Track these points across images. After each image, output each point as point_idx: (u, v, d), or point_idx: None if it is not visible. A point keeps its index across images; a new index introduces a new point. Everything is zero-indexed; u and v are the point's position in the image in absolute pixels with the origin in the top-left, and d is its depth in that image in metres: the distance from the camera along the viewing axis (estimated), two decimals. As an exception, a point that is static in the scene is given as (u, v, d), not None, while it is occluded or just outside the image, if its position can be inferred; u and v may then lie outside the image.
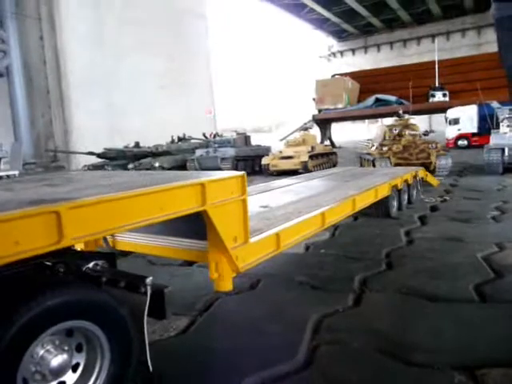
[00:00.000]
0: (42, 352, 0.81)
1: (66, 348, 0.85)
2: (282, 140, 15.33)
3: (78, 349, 0.89)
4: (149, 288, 0.94)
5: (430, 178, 3.55)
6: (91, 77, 12.75)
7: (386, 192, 2.42)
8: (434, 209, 2.85)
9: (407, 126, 5.01)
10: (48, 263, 0.95)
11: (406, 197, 2.85)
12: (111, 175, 1.31)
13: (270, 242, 1.36)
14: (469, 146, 9.09)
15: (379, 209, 2.53)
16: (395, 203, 2.64)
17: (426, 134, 5.20)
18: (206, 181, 1.06)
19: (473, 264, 1.71)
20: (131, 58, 13.28)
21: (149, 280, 0.93)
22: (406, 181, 2.80)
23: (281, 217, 1.58)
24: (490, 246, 1.92)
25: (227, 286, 1.20)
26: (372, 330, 1.20)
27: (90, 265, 1.01)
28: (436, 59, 12.00)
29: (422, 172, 3.23)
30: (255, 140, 7.59)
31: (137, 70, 13.28)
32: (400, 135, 4.84)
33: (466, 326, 1.20)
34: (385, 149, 4.69)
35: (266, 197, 2.12)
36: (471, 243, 2.01)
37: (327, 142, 12.65)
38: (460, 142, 9.23)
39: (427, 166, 4.12)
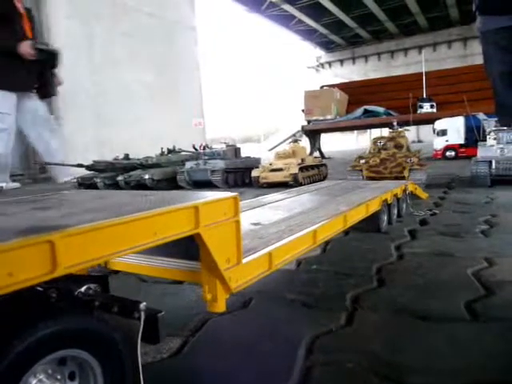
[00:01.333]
0: (34, 382, 0.80)
1: (59, 377, 0.84)
2: (270, 150, 15.37)
3: (71, 377, 0.87)
4: (142, 314, 0.93)
5: (419, 191, 3.58)
6: (79, 88, 12.68)
7: (376, 207, 2.44)
8: (423, 222, 2.87)
9: (392, 138, 4.80)
10: (39, 289, 0.95)
11: (395, 211, 2.87)
12: (103, 196, 1.30)
13: (262, 262, 1.36)
14: (456, 157, 9.20)
15: (369, 223, 2.55)
16: (385, 217, 2.66)
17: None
18: (200, 203, 1.06)
19: (463, 280, 1.73)
20: (120, 69, 13.27)
21: (142, 305, 0.93)
22: (395, 195, 2.83)
23: (273, 235, 1.58)
24: (479, 262, 1.94)
25: (220, 307, 1.20)
26: (365, 351, 1.21)
27: (83, 289, 1.00)
28: (423, 70, 12.18)
29: (411, 186, 3.26)
30: (244, 150, 7.61)
31: (126, 80, 13.27)
32: (384, 148, 4.72)
33: (459, 346, 1.20)
34: (362, 161, 4.60)
35: (258, 213, 2.13)
36: (461, 258, 2.03)
37: (317, 153, 12.71)
38: (448, 153, 9.34)
39: (399, 178, 4.18)
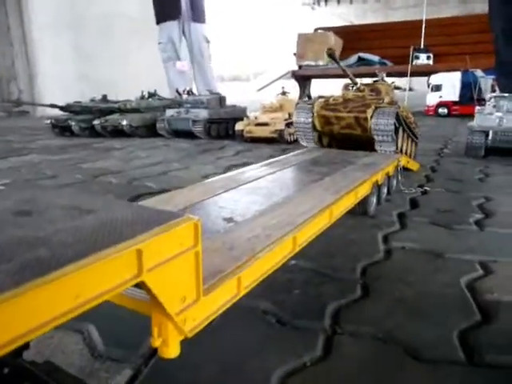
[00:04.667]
0: None
1: None
2: (259, 90, 14.83)
3: None
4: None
5: (411, 164, 3.36)
6: (57, 16, 11.84)
7: (366, 191, 2.22)
8: (414, 204, 2.67)
9: (370, 84, 3.54)
10: None
11: (385, 190, 2.66)
12: (26, 210, 1.02)
13: (229, 289, 1.14)
14: (449, 115, 8.93)
15: (357, 206, 2.33)
16: (374, 199, 2.45)
17: (397, 88, 3.85)
18: (144, 244, 0.82)
19: (456, 295, 1.54)
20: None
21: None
22: (387, 173, 2.60)
23: (246, 244, 1.36)
24: (473, 267, 1.76)
25: (173, 352, 0.99)
26: (342, 407, 1.03)
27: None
28: (424, 17, 11.54)
29: (404, 159, 3.04)
30: (233, 89, 7.24)
31: (108, 11, 12.40)
32: (359, 90, 3.45)
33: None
34: (320, 100, 3.37)
35: (232, 199, 1.89)
36: (453, 261, 1.84)
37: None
38: (440, 110, 9.04)
39: (362, 125, 3.05)
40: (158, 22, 6.12)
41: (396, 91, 3.72)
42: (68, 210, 1.02)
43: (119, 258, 0.77)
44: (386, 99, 3.13)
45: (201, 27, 6.63)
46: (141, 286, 0.89)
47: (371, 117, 2.94)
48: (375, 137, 2.95)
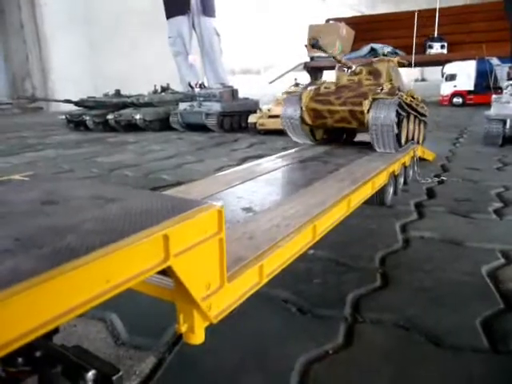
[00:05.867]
0: None
1: None
2: (271, 82, 14.75)
3: None
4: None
5: (427, 154, 3.33)
6: (69, 11, 11.90)
7: (383, 181, 2.21)
8: (430, 194, 2.65)
9: (368, 64, 2.99)
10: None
11: (402, 180, 2.64)
12: (51, 199, 1.03)
13: (251, 276, 1.15)
14: (464, 104, 8.81)
15: (373, 196, 2.32)
16: (391, 189, 2.43)
17: (402, 64, 3.29)
18: (171, 230, 0.83)
19: (477, 284, 1.53)
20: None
21: (90, 374, 0.73)
22: (403, 163, 2.58)
23: (266, 234, 1.36)
24: (494, 256, 1.75)
25: (198, 338, 1.00)
26: (366, 391, 1.03)
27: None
28: (437, 5, 11.38)
29: (419, 150, 3.01)
30: (244, 81, 7.22)
31: (118, 6, 12.44)
32: (355, 73, 2.94)
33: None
34: (310, 89, 2.88)
35: (250, 189, 1.89)
36: (473, 249, 1.83)
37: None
38: (455, 100, 8.93)
39: (358, 118, 2.64)
40: (168, 16, 6.09)
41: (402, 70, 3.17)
42: (93, 200, 1.04)
43: (147, 243, 0.78)
44: (386, 86, 2.66)
45: (211, 21, 6.61)
46: (166, 272, 0.91)
47: (368, 110, 2.53)
48: (373, 134, 2.54)
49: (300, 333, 1.28)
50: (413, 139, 2.96)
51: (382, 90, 2.62)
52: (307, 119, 2.80)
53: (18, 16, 11.35)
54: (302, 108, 2.76)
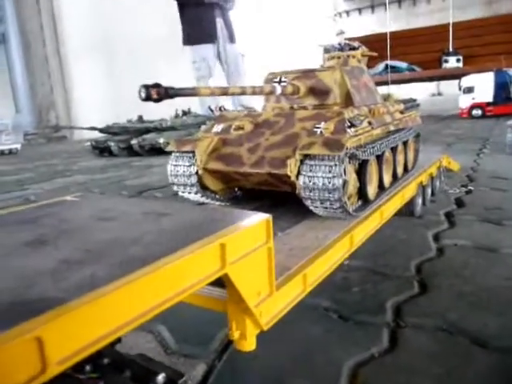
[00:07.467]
0: None
1: None
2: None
3: None
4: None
5: (452, 165, 3.34)
6: (90, 42, 12.32)
7: (412, 192, 2.23)
8: (459, 203, 2.66)
9: (309, 73, 1.89)
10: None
11: (429, 190, 2.65)
12: (107, 216, 1.09)
13: (296, 285, 1.19)
14: (483, 116, 8.77)
15: (403, 207, 2.34)
16: (420, 200, 2.45)
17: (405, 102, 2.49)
18: (227, 238, 0.88)
19: (517, 288, 1.54)
20: (132, 22, 12.79)
21: (160, 378, 0.78)
22: (430, 174, 2.60)
23: (305, 244, 1.40)
24: (531, 261, 1.75)
25: (250, 345, 1.04)
26: (417, 393, 1.05)
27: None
28: (451, 20, 11.45)
29: (445, 160, 3.02)
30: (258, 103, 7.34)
31: (138, 34, 12.82)
32: (294, 92, 1.84)
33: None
34: (215, 130, 1.90)
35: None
36: (509, 256, 1.83)
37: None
38: (474, 112, 8.90)
39: (288, 183, 1.61)
40: (192, 43, 6.26)
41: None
42: (145, 215, 1.10)
43: (207, 251, 0.84)
44: (329, 124, 1.61)
45: (236, 46, 6.78)
46: (220, 281, 0.96)
47: (297, 175, 1.53)
48: (309, 206, 1.59)
49: (344, 339, 1.31)
50: (395, 178, 2.09)
51: (321, 132, 1.61)
52: (208, 183, 1.86)
53: (42, 51, 11.82)
54: (197, 172, 1.79)
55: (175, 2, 12.65)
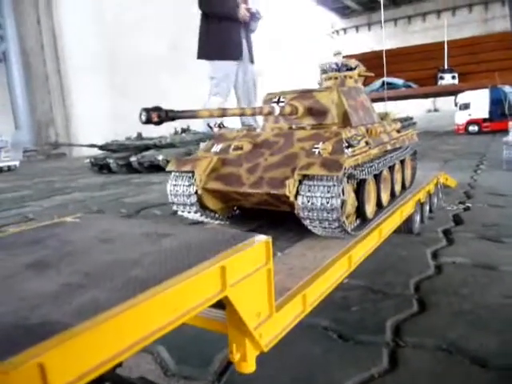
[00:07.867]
0: None
1: None
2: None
3: None
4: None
5: (449, 181, 3.36)
6: (91, 61, 12.45)
7: (410, 210, 2.25)
8: (457, 220, 2.67)
9: (307, 93, 1.90)
10: None
11: (427, 207, 2.67)
12: (107, 238, 1.11)
13: (296, 306, 1.19)
14: (480, 132, 8.84)
15: (401, 225, 2.35)
16: (418, 218, 2.46)
17: (402, 120, 2.42)
18: (227, 261, 0.89)
19: (516, 307, 1.55)
20: (132, 39, 12.94)
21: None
22: (428, 191, 2.62)
23: (304, 264, 1.41)
24: (529, 279, 1.76)
25: (250, 367, 1.04)
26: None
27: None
28: (445, 39, 11.63)
29: (442, 176, 3.04)
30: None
31: (138, 51, 12.96)
32: (292, 113, 1.84)
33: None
34: (214, 150, 1.91)
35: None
36: (509, 273, 1.84)
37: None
38: (471, 128, 8.98)
39: (288, 203, 1.62)
40: (214, 58, 6.23)
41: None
42: (146, 236, 1.11)
43: (207, 274, 0.85)
44: (326, 145, 1.61)
45: (253, 67, 6.87)
46: (221, 303, 0.96)
47: (296, 195, 1.54)
48: (308, 226, 1.61)
49: (344, 359, 1.31)
50: (393, 196, 2.12)
51: (319, 152, 1.61)
52: (209, 204, 1.87)
53: (43, 69, 11.95)
54: (196, 191, 1.79)
55: (177, 18, 12.80)
